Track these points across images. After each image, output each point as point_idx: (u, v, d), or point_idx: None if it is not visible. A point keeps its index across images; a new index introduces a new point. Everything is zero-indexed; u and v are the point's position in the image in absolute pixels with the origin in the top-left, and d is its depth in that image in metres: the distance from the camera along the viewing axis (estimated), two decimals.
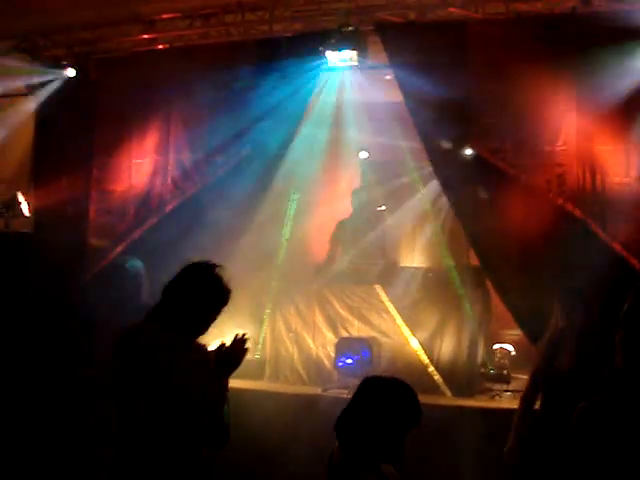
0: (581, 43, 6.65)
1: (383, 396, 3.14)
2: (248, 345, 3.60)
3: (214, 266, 3.63)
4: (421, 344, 7.91)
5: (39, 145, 8.90)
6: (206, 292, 3.57)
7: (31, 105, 8.93)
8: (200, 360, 3.47)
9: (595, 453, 2.55)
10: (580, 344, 5.02)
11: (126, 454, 3.49)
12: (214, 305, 3.60)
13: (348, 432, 3.11)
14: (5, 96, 8.85)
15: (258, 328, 8.46)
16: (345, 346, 7.88)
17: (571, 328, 5.11)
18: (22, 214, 7.94)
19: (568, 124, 6.86)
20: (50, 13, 7.95)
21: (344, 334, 8.25)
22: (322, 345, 8.29)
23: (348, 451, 3.07)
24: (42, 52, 8.79)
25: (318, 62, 7.79)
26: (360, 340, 7.95)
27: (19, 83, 8.82)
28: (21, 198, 7.93)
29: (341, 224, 9.41)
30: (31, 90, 8.88)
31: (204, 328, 3.61)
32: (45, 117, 8.88)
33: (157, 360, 3.45)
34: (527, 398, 5.27)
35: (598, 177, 6.74)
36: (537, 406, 5.31)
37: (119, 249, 8.24)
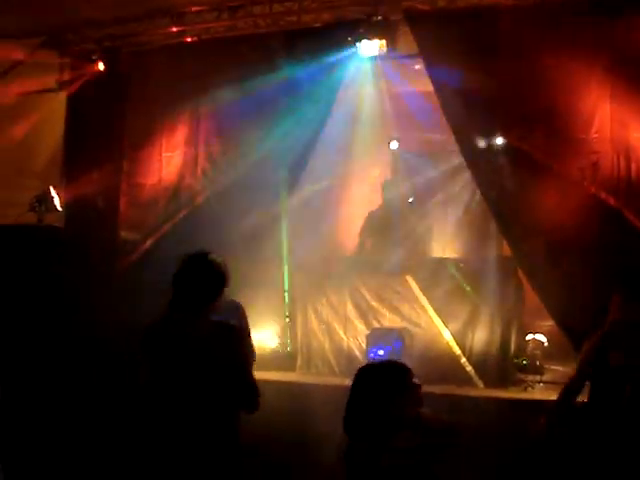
0: (614, 28, 6.54)
1: (373, 381, 3.34)
2: None
3: (207, 254, 4.06)
4: (453, 335, 7.85)
5: (70, 139, 8.98)
6: (205, 278, 3.99)
7: (62, 100, 8.99)
8: (226, 334, 3.97)
9: None
10: (633, 340, 4.92)
11: (171, 426, 3.85)
12: (214, 288, 4.03)
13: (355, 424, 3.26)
14: (36, 92, 8.91)
15: (285, 321, 8.49)
16: (377, 337, 7.84)
17: (626, 322, 5.00)
18: (55, 208, 8.00)
19: (602, 111, 6.76)
20: (79, 8, 8.02)
21: (375, 325, 8.21)
22: (353, 336, 8.26)
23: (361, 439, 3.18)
24: (72, 47, 8.87)
25: (347, 52, 7.76)
26: (392, 331, 7.91)
27: (50, 78, 8.87)
28: (53, 192, 7.99)
29: (371, 215, 9.36)
30: (62, 85, 8.93)
31: (211, 307, 4.04)
32: (76, 112, 8.95)
33: (192, 342, 3.90)
34: (572, 389, 5.17)
35: (633, 165, 6.64)
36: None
37: (150, 242, 8.29)
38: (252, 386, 3.97)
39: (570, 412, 5.02)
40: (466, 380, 7.58)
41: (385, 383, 3.25)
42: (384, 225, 9.09)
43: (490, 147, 7.32)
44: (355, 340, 8.23)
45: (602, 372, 4.86)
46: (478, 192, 8.05)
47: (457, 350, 7.77)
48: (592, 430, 4.80)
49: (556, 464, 5.11)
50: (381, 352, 7.63)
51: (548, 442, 5.10)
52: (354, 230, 9.50)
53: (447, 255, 9.20)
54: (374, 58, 7.90)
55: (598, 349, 4.94)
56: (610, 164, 6.71)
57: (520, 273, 7.75)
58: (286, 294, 8.60)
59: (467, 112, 7.23)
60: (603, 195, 6.67)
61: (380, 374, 3.35)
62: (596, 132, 6.78)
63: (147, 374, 3.99)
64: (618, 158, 6.67)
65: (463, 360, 7.72)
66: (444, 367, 7.51)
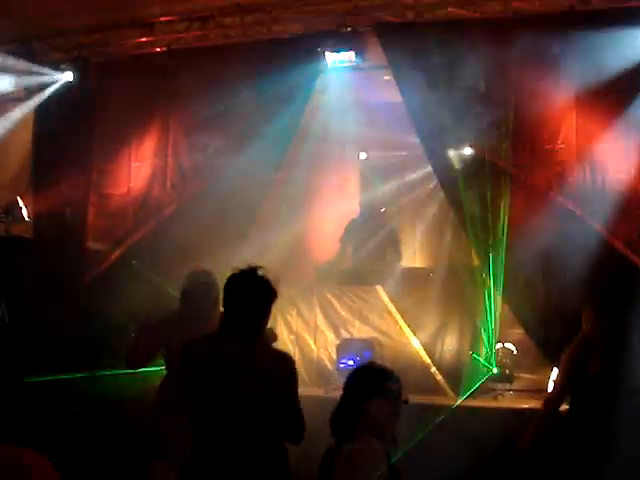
0: (579, 41, 6.64)
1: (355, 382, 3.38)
2: None
3: (255, 270, 3.94)
4: (423, 344, 7.88)
5: (38, 149, 8.90)
6: (258, 295, 3.92)
7: (30, 109, 8.92)
8: (287, 366, 3.89)
9: None
10: (609, 348, 4.97)
11: (212, 456, 3.75)
12: (267, 304, 3.96)
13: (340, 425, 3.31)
14: (4, 100, 8.83)
15: None
16: (346, 347, 7.85)
17: (601, 332, 5.05)
18: (22, 219, 7.92)
19: (568, 122, 6.85)
20: (48, 17, 7.96)
21: (345, 335, 8.22)
22: (323, 347, 8.26)
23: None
24: (41, 56, 8.78)
25: (317, 63, 7.78)
26: (362, 341, 7.92)
27: (18, 87, 8.79)
28: (21, 203, 7.92)
29: (351, 222, 9.40)
30: (30, 94, 8.86)
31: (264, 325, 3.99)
32: (44, 121, 8.87)
33: (250, 369, 3.81)
34: (554, 400, 5.22)
35: (599, 175, 6.73)
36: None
37: (118, 253, 8.24)
38: (301, 419, 3.90)
39: (554, 425, 5.08)
40: (436, 389, 7.61)
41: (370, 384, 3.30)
42: (360, 233, 9.15)
43: (458, 157, 7.38)
44: (325, 350, 8.23)
45: (581, 382, 4.94)
46: (448, 202, 8.10)
47: (427, 360, 7.80)
48: (574, 440, 4.86)
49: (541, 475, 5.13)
50: (351, 362, 7.63)
51: (534, 455, 5.13)
52: (323, 240, 9.52)
53: (416, 265, 9.24)
54: (343, 69, 7.94)
55: (576, 361, 5.01)
56: (576, 174, 6.80)
57: (489, 282, 7.81)
58: None
59: (435, 123, 7.28)
60: (570, 205, 6.75)
61: (367, 376, 3.41)
62: (562, 143, 6.87)
63: (185, 394, 3.92)
64: (584, 168, 6.76)
65: (433, 369, 7.75)
66: (414, 377, 7.51)
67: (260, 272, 3.95)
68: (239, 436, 3.72)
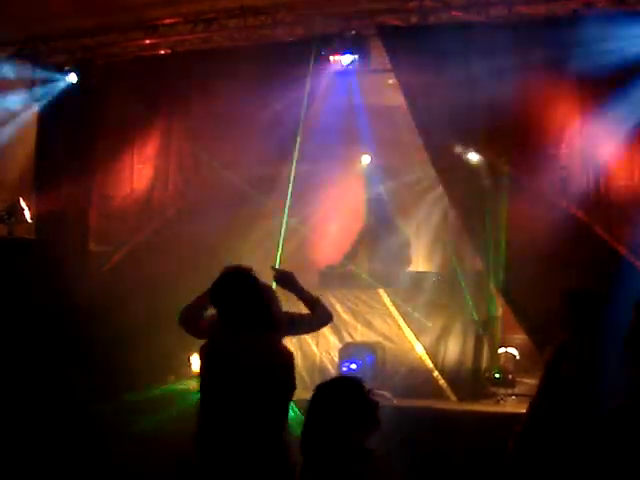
0: (583, 46, 6.62)
1: (330, 399, 3.12)
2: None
3: (248, 270, 4.06)
4: (425, 349, 7.87)
5: (41, 151, 8.91)
6: (253, 294, 3.98)
7: (33, 111, 8.92)
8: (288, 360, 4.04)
9: (625, 455, 2.56)
10: (587, 350, 4.96)
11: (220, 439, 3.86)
12: (264, 300, 4.03)
13: (311, 444, 3.10)
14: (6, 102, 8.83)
15: None
16: (349, 351, 7.84)
17: (579, 334, 5.05)
18: (24, 220, 7.92)
19: (572, 127, 6.83)
20: (51, 19, 7.96)
21: (348, 339, 8.21)
22: (326, 350, 8.25)
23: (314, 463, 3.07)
24: (44, 58, 8.78)
25: (320, 67, 7.78)
26: (364, 345, 7.91)
27: (21, 89, 8.79)
28: (23, 204, 7.91)
29: (363, 228, 9.43)
30: (33, 96, 8.85)
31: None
32: (47, 123, 8.88)
33: (259, 362, 3.91)
34: (533, 405, 5.21)
35: (602, 180, 6.72)
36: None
37: (120, 254, 8.23)
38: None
39: (538, 425, 5.07)
40: (439, 394, 7.60)
41: (340, 399, 3.12)
42: (373, 238, 9.16)
43: (462, 162, 7.37)
44: (327, 354, 8.22)
45: (554, 383, 4.93)
46: (452, 206, 8.09)
47: (430, 364, 7.80)
48: (546, 444, 4.85)
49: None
50: (354, 366, 7.62)
51: (519, 457, 5.12)
52: (326, 243, 9.50)
53: (420, 269, 9.22)
54: (347, 72, 7.93)
55: (551, 363, 5.02)
56: (579, 179, 6.78)
57: (492, 286, 7.79)
58: None
59: (439, 127, 7.26)
60: (573, 209, 6.73)
61: (334, 390, 3.17)
62: (566, 147, 6.86)
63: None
64: (587, 172, 6.75)
65: (436, 374, 7.74)
66: (417, 381, 7.52)
67: (243, 271, 4.04)
68: (243, 429, 3.82)
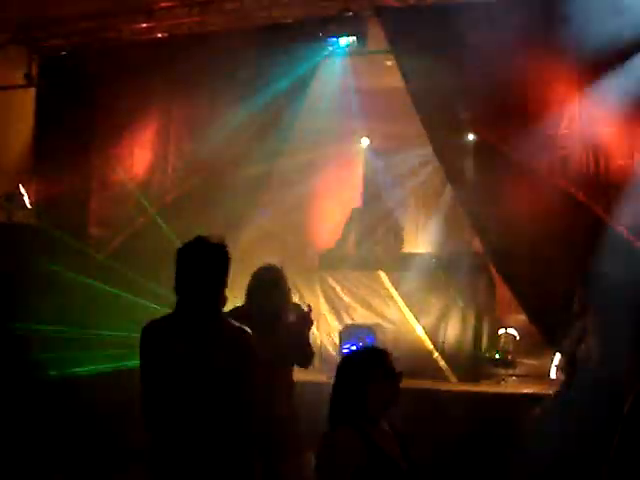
0: (581, 24, 6.58)
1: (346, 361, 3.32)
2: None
3: (203, 238, 3.53)
4: (425, 330, 7.90)
5: (39, 136, 8.88)
6: (214, 265, 3.51)
7: (31, 97, 8.89)
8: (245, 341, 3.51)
9: None
10: (601, 332, 5.00)
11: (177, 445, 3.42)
12: (219, 273, 3.54)
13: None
14: (4, 88, 8.80)
15: None
16: (349, 333, 7.88)
17: (593, 316, 5.08)
18: (24, 206, 7.92)
19: (571, 107, 6.81)
20: (48, 4, 7.91)
21: (348, 321, 8.24)
22: (327, 332, 8.29)
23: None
24: (40, 43, 8.74)
25: (318, 48, 7.75)
26: (364, 327, 7.94)
27: (18, 75, 8.76)
28: (22, 190, 7.91)
29: (354, 211, 9.42)
30: (30, 81, 8.82)
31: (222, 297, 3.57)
32: (45, 108, 8.85)
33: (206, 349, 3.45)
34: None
35: (602, 160, 6.70)
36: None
37: (120, 239, 8.24)
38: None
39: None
40: (439, 375, 7.65)
41: (366, 363, 3.24)
42: (364, 220, 9.17)
43: (461, 142, 7.36)
44: (328, 336, 8.26)
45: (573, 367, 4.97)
46: (449, 187, 8.08)
47: (430, 345, 7.83)
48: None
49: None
50: (354, 348, 7.65)
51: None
52: (326, 226, 9.52)
53: (419, 250, 9.24)
54: (345, 54, 7.90)
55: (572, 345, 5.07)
56: (579, 159, 6.77)
57: (492, 268, 7.81)
58: None
59: (438, 108, 7.25)
60: (572, 190, 6.73)
61: (362, 355, 3.35)
62: (565, 128, 6.84)
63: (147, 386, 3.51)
64: (587, 153, 6.73)
65: (436, 355, 7.78)
66: (417, 362, 7.54)
67: (210, 240, 3.51)
68: (197, 426, 3.41)
